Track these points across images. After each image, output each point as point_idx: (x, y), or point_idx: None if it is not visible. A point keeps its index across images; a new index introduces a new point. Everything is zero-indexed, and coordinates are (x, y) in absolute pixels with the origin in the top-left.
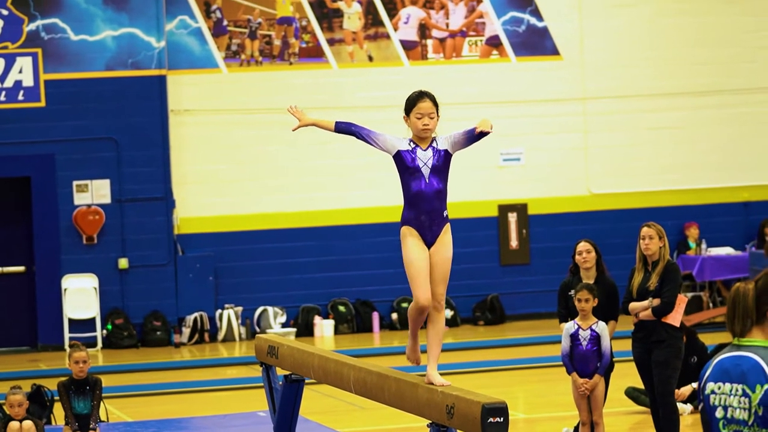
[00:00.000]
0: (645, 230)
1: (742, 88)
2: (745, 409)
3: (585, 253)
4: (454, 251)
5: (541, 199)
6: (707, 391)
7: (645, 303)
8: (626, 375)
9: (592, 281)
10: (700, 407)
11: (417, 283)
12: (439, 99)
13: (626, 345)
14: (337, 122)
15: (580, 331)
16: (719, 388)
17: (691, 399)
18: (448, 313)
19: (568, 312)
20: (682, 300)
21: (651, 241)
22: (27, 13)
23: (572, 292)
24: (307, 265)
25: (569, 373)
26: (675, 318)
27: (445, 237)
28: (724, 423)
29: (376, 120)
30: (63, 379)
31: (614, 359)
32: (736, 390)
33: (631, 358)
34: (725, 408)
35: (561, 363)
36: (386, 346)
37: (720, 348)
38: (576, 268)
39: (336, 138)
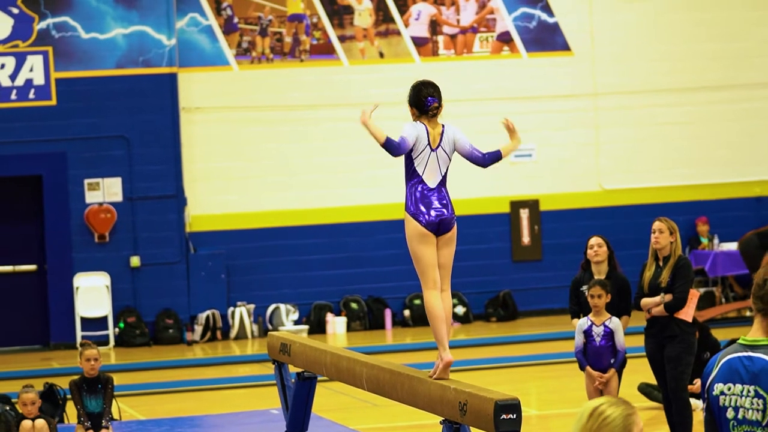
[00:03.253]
0: (656, 224)
1: (753, 83)
2: (758, 410)
3: (596, 247)
4: (466, 247)
5: (552, 195)
6: (716, 392)
7: (657, 299)
8: (639, 371)
9: (603, 276)
10: (703, 406)
11: None
12: (450, 95)
13: (639, 341)
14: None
15: (594, 327)
16: (729, 389)
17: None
18: (461, 309)
19: (580, 308)
20: (695, 295)
21: (661, 235)
22: (37, 11)
23: (584, 288)
24: (319, 262)
25: (582, 369)
26: (687, 313)
27: None
28: (735, 424)
29: (388, 116)
30: (75, 377)
31: (626, 355)
32: (748, 391)
33: (644, 353)
34: (736, 409)
35: (574, 359)
36: (399, 343)
37: (733, 343)
38: (587, 264)
39: (347, 135)
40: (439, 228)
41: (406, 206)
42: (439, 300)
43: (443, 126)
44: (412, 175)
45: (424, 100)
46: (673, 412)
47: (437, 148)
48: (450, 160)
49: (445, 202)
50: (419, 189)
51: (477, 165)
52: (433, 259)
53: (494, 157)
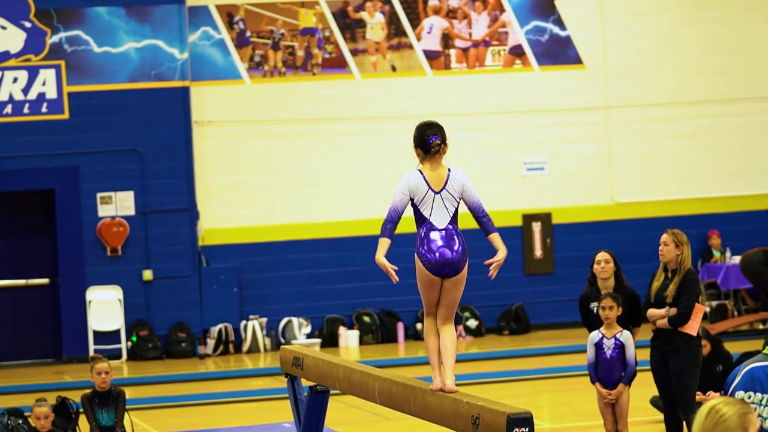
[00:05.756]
0: (663, 237)
1: (764, 96)
2: None
3: (603, 262)
4: (479, 261)
5: (565, 208)
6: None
7: (662, 311)
8: (650, 384)
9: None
10: None
11: None
12: (462, 109)
13: (648, 354)
14: (382, 236)
15: (605, 340)
16: (749, 397)
17: None
18: (473, 323)
19: (590, 324)
20: (700, 309)
21: (665, 247)
22: (50, 25)
23: (593, 304)
24: (331, 275)
25: (593, 382)
26: (692, 327)
27: None
28: None
29: (399, 130)
30: (87, 391)
31: (637, 368)
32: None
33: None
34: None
35: (586, 372)
36: (411, 356)
37: (747, 356)
38: (594, 279)
39: (359, 148)
40: (446, 273)
41: (416, 248)
42: (432, 326)
43: (449, 169)
44: (421, 220)
45: (427, 139)
46: (671, 423)
47: (441, 190)
48: (458, 202)
49: (453, 242)
50: (427, 230)
51: (474, 218)
52: (434, 300)
53: (487, 228)
